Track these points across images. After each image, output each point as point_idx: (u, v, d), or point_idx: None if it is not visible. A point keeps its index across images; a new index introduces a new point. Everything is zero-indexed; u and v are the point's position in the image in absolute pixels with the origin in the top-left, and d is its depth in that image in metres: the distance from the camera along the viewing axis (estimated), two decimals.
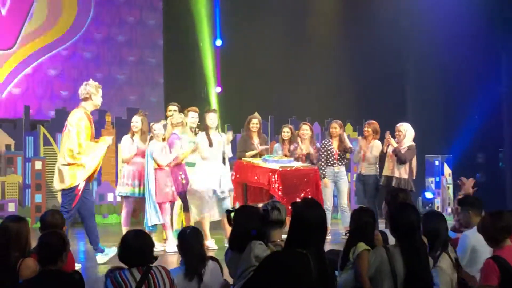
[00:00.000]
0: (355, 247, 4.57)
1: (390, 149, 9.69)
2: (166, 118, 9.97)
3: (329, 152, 10.35)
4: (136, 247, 4.22)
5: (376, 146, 10.23)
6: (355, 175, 11.58)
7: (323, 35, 15.96)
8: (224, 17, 15.89)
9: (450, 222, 6.05)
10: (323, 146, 10.48)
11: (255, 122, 10.31)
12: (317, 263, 3.78)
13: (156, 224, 8.89)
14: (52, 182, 8.66)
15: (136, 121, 9.28)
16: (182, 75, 15.59)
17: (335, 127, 10.47)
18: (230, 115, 15.12)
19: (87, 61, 15.02)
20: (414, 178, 9.89)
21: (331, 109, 14.56)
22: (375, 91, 14.89)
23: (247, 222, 4.55)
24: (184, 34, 15.58)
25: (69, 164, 7.89)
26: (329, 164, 10.32)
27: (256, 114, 10.59)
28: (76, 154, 7.89)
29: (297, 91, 15.39)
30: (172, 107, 9.95)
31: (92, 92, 8.06)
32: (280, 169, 9.42)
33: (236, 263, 4.51)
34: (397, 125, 9.89)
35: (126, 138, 9.36)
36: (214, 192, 9.15)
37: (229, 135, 9.67)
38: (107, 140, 8.31)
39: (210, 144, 9.24)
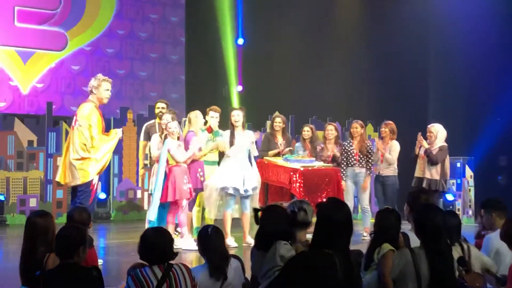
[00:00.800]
0: (380, 248, 4.54)
1: (421, 150, 9.66)
2: (155, 116, 9.93)
3: (349, 152, 10.30)
4: (156, 244, 4.21)
5: (394, 146, 10.19)
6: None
7: (345, 34, 15.94)
8: (247, 16, 15.91)
9: (470, 224, 6.00)
10: (343, 147, 10.42)
11: (277, 121, 10.30)
12: (343, 263, 3.77)
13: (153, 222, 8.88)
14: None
15: (167, 119, 9.29)
16: (204, 73, 15.62)
17: (356, 127, 10.42)
18: (251, 114, 15.08)
19: (109, 57, 15.12)
20: (448, 179, 9.89)
21: (352, 109, 14.53)
22: (397, 91, 14.82)
23: (274, 222, 4.54)
24: (206, 33, 15.62)
25: (82, 159, 7.86)
26: (350, 164, 10.27)
27: (277, 113, 10.60)
28: (90, 147, 7.86)
29: (318, 90, 15.37)
30: (161, 104, 9.96)
31: (99, 85, 8.04)
32: (302, 169, 9.41)
33: (261, 262, 4.51)
34: (429, 126, 9.87)
35: (155, 137, 9.36)
36: (237, 190, 9.10)
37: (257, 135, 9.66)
38: (118, 133, 8.28)
39: (231, 143, 9.21)
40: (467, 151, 13.60)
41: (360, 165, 10.23)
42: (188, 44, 15.92)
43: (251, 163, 9.40)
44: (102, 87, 8.03)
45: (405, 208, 5.48)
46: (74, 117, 8.07)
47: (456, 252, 4.61)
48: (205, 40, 15.68)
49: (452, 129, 14.10)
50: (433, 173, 9.57)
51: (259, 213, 4.71)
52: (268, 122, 14.27)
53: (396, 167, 10.21)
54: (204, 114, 9.66)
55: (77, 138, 7.88)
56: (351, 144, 10.32)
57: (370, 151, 10.30)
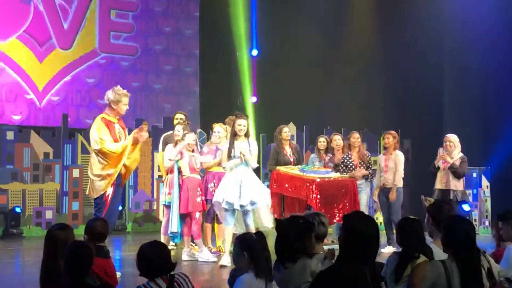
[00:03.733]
0: (416, 260, 4.48)
1: (440, 162, 9.68)
2: (173, 127, 9.87)
3: (348, 164, 10.21)
4: (155, 259, 4.23)
5: (399, 157, 10.10)
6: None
7: (359, 44, 15.92)
8: (261, 27, 15.94)
9: (487, 235, 5.94)
10: (342, 159, 10.34)
11: (286, 131, 10.29)
12: (372, 276, 3.74)
13: (177, 232, 8.91)
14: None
15: (178, 130, 9.31)
16: (218, 84, 15.66)
17: (358, 137, 10.37)
18: (265, 125, 15.12)
19: (124, 69, 15.16)
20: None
21: (366, 119, 14.50)
22: (412, 101, 14.77)
23: (294, 234, 4.49)
24: (221, 44, 15.66)
25: (99, 176, 7.88)
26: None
27: (292, 124, 10.60)
28: (108, 162, 7.88)
29: (332, 101, 15.35)
30: (179, 115, 9.94)
31: (119, 101, 7.89)
32: (318, 180, 9.35)
33: (288, 276, 4.46)
34: (447, 135, 9.91)
35: (169, 147, 9.36)
36: (231, 205, 8.39)
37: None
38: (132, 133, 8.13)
39: (229, 153, 8.54)
40: (483, 161, 13.52)
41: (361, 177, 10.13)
42: (202, 56, 15.95)
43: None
44: (122, 102, 7.90)
45: (426, 220, 5.41)
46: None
47: (484, 263, 4.56)
48: (219, 51, 15.71)
49: (468, 138, 14.03)
50: (458, 184, 9.65)
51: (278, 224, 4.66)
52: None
53: (401, 178, 10.13)
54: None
55: (93, 156, 7.93)
56: (350, 156, 10.25)
57: (370, 160, 10.24)
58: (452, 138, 9.81)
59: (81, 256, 4.22)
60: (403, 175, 10.10)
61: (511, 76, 13.53)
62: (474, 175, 13.24)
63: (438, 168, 9.74)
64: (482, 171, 13.24)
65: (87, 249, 4.29)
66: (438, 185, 9.74)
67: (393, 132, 10.32)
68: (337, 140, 10.57)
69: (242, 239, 4.71)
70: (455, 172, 9.57)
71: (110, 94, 7.91)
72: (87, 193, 8.21)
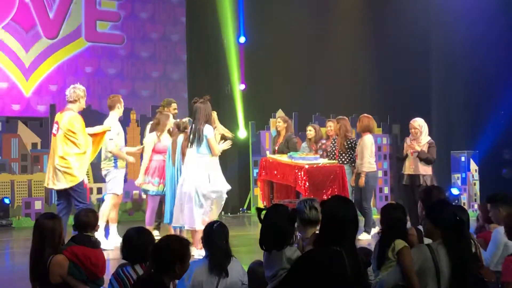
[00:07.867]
0: (394, 245, 4.50)
1: (408, 151, 9.57)
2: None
3: (331, 149, 10.29)
4: (138, 244, 4.34)
5: (364, 141, 9.94)
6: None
7: (347, 31, 15.91)
8: (248, 14, 15.87)
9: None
10: (331, 144, 10.40)
11: (277, 121, 10.48)
12: (351, 260, 3.75)
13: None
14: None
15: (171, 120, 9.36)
16: (206, 72, 15.59)
17: (329, 125, 10.51)
18: (254, 112, 15.12)
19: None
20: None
21: (355, 106, 14.50)
22: (400, 86, 14.80)
23: (277, 221, 4.52)
24: (208, 31, 15.58)
25: (66, 167, 8.22)
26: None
27: (278, 112, 10.69)
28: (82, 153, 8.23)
29: (321, 87, 15.34)
30: (175, 105, 10.02)
31: (81, 96, 8.44)
32: (307, 166, 9.37)
33: (267, 262, 4.51)
34: (411, 121, 9.66)
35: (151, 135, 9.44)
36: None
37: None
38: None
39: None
40: (472, 145, 13.59)
41: (342, 162, 10.10)
42: (189, 43, 15.86)
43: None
44: (84, 98, 8.55)
45: (419, 205, 5.42)
46: (56, 125, 8.32)
47: (472, 247, 4.57)
48: (206, 39, 15.63)
49: (456, 123, 14.15)
50: (427, 169, 9.44)
51: (262, 213, 4.69)
52: (272, 120, 14.31)
53: (372, 162, 10.01)
54: None
55: (60, 146, 8.19)
56: (335, 140, 10.32)
57: (352, 145, 10.18)
58: (416, 124, 9.54)
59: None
60: (370, 160, 9.97)
61: (499, 61, 13.58)
62: (463, 159, 13.31)
63: (407, 155, 9.60)
64: (471, 155, 13.31)
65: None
66: (407, 170, 9.57)
67: (363, 115, 10.23)
68: (329, 126, 10.61)
69: (205, 226, 4.77)
70: (426, 160, 9.40)
71: (77, 91, 8.51)
72: (64, 185, 8.28)
